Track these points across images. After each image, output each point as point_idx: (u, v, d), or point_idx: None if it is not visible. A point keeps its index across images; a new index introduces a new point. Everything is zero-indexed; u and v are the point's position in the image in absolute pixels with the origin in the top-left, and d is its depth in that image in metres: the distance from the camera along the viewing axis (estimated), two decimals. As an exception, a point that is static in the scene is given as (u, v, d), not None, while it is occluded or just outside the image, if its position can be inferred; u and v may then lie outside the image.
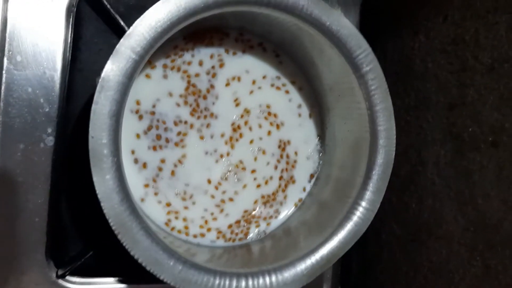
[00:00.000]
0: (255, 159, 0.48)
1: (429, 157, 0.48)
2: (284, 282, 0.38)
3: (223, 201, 0.47)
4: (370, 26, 0.54)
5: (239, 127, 0.47)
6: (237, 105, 0.47)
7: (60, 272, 0.43)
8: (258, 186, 0.48)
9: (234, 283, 0.37)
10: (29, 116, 0.41)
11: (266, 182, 0.48)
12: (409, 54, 0.51)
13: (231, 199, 0.47)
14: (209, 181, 0.46)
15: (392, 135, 0.42)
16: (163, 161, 0.44)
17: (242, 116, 0.47)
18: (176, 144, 0.45)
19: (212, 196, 0.46)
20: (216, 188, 0.46)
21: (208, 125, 0.46)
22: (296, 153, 0.49)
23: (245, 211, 0.48)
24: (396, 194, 0.51)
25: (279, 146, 0.49)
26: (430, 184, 0.47)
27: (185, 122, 0.45)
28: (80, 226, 0.45)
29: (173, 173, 0.45)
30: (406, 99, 0.51)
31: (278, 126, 0.48)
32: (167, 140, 0.44)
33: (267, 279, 0.38)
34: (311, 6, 0.38)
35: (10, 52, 0.40)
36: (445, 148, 0.46)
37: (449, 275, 0.45)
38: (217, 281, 0.36)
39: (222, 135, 0.46)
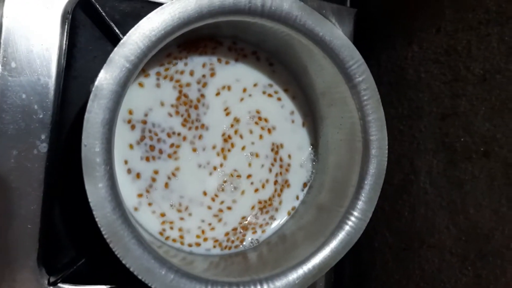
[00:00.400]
0: (249, 164, 0.48)
1: (421, 167, 0.48)
2: (276, 291, 0.38)
3: (221, 210, 0.47)
4: (364, 36, 0.54)
5: (229, 137, 0.47)
6: (227, 114, 0.47)
7: (52, 279, 0.42)
8: (256, 190, 0.48)
9: (226, 292, 0.37)
10: (23, 123, 0.41)
11: (263, 186, 0.48)
12: (403, 64, 0.51)
13: (229, 208, 0.47)
14: (204, 193, 0.46)
15: (384, 145, 0.42)
16: (156, 172, 0.44)
17: (232, 125, 0.47)
18: (169, 156, 0.45)
19: (209, 207, 0.46)
20: (213, 199, 0.47)
21: (200, 137, 0.46)
22: (289, 157, 0.49)
23: (243, 218, 0.48)
24: (389, 202, 0.52)
25: (272, 150, 0.49)
26: (423, 193, 0.48)
27: (178, 134, 0.45)
28: (73, 233, 0.45)
29: (166, 185, 0.45)
30: (400, 109, 0.51)
31: (269, 130, 0.49)
32: (160, 151, 0.44)
33: (259, 288, 0.38)
34: (305, 17, 0.39)
35: (5, 59, 0.40)
36: (437, 158, 0.46)
37: (440, 284, 0.45)
38: (208, 290, 0.36)
39: (214, 147, 0.47)
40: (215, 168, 0.46)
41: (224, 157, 0.47)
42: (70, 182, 0.44)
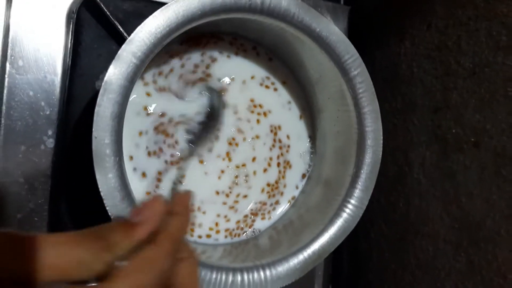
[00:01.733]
0: (253, 148, 0.49)
1: (415, 159, 0.49)
2: (277, 276, 0.40)
3: (236, 201, 0.48)
4: (358, 34, 0.56)
5: (233, 139, 0.48)
6: (235, 113, 0.49)
7: (60, 271, 0.43)
8: (265, 170, 0.49)
9: (230, 277, 0.38)
10: (30, 119, 0.42)
11: (269, 164, 0.49)
12: (396, 60, 0.52)
13: (245, 196, 0.48)
14: (217, 193, 0.47)
15: (379, 135, 0.44)
16: (160, 173, 0.45)
17: (238, 130, 0.49)
18: (172, 163, 0.46)
19: (224, 203, 0.48)
20: (227, 195, 0.48)
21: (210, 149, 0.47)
22: (288, 137, 0.50)
23: (255, 203, 0.49)
24: (384, 194, 0.53)
25: (271, 131, 0.50)
26: (417, 184, 0.49)
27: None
28: (79, 226, 0.44)
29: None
30: (394, 103, 0.52)
31: (265, 114, 0.50)
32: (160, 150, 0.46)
33: (262, 273, 0.39)
34: (302, 14, 0.40)
35: (13, 57, 0.42)
36: (430, 150, 0.47)
37: (435, 272, 0.46)
38: (214, 275, 0.38)
39: (219, 156, 0.48)
40: (222, 171, 0.48)
41: (229, 159, 0.48)
42: (76, 176, 0.45)
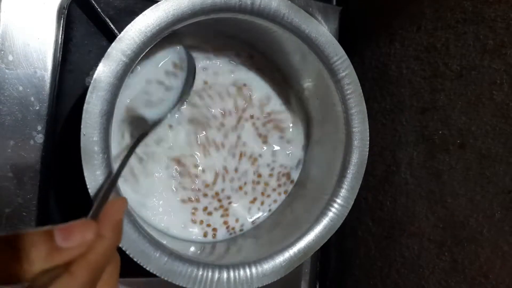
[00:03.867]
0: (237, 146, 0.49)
1: (402, 158, 0.50)
2: (263, 273, 0.40)
3: (222, 199, 0.49)
4: (348, 34, 0.56)
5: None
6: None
7: (47, 266, 0.43)
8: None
9: (217, 274, 0.39)
10: (20, 114, 0.42)
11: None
12: (385, 61, 0.53)
13: (230, 196, 0.49)
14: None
15: (366, 136, 0.44)
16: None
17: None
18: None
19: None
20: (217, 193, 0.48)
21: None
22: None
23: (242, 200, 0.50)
24: (372, 193, 0.53)
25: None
26: (404, 183, 0.49)
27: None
28: (68, 220, 0.45)
29: None
30: (383, 103, 0.53)
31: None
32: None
33: (248, 270, 0.40)
34: (292, 15, 0.40)
35: (2, 52, 0.41)
36: (417, 150, 0.48)
37: (420, 270, 0.46)
38: (200, 272, 0.38)
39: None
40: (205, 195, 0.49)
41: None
42: (65, 171, 0.45)
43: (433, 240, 0.45)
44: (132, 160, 0.44)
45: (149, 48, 0.36)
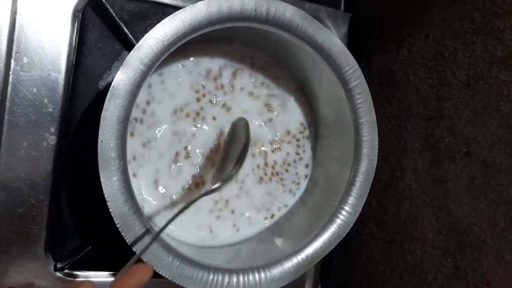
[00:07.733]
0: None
1: (407, 164, 0.50)
2: (272, 278, 0.41)
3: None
4: (357, 39, 0.56)
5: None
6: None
7: (58, 266, 0.44)
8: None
9: (227, 278, 0.39)
10: (33, 116, 0.42)
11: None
12: (393, 67, 0.53)
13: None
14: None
15: (375, 145, 0.45)
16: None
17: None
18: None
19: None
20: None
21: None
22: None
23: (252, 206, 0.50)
24: (376, 197, 0.53)
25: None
26: (408, 189, 0.50)
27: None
28: (79, 221, 0.46)
29: None
30: (389, 108, 0.53)
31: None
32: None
33: (257, 275, 0.41)
34: (305, 25, 0.41)
35: (17, 54, 0.42)
36: (422, 157, 0.48)
37: (422, 275, 0.47)
38: (211, 277, 0.39)
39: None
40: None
41: None
42: (77, 173, 0.45)
43: (436, 246, 0.46)
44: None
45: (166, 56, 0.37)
